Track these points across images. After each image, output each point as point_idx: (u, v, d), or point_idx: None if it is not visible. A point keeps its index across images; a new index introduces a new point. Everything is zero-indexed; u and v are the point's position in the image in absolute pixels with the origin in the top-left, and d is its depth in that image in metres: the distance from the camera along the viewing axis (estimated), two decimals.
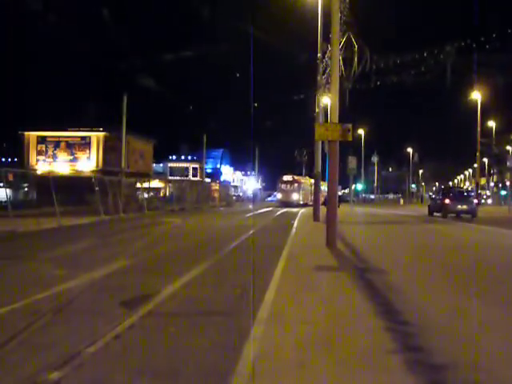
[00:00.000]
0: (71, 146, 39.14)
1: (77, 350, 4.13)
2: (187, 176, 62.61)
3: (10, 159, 55.00)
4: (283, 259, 9.14)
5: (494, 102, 48.46)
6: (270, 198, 60.12)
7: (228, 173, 76.95)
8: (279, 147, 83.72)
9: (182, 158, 68.71)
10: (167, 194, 40.17)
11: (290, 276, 7.44)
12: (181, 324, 5.08)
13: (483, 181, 64.77)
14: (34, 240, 13.98)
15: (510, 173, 44.30)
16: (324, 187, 35.44)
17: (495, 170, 71.42)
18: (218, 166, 73.93)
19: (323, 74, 20.33)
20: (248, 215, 27.63)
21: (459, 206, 25.00)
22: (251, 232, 15.53)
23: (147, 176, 39.39)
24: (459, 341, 4.30)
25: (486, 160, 64.99)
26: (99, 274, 7.84)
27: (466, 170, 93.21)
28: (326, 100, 19.86)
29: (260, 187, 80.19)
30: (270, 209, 37.02)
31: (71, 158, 39.13)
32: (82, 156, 39.01)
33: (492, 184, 74.27)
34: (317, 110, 21.61)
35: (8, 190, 20.24)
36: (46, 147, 39.34)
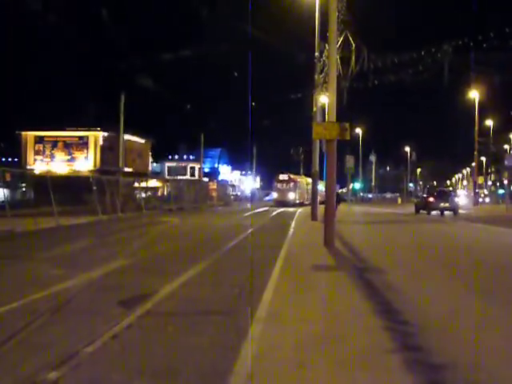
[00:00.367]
0: (69, 146, 39.09)
1: (75, 349, 4.11)
2: (185, 175, 62.56)
3: (7, 159, 54.85)
4: (281, 259, 9.14)
5: (492, 101, 48.63)
6: (267, 198, 60.10)
7: (226, 172, 76.97)
8: (277, 146, 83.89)
9: (180, 157, 68.71)
10: (165, 193, 40.22)
11: (288, 275, 7.43)
12: (179, 323, 5.07)
13: (481, 180, 64.78)
14: (32, 240, 13.95)
15: (507, 171, 44.36)
16: (322, 186, 35.55)
17: (493, 169, 71.53)
18: (216, 165, 73.97)
19: (321, 73, 20.30)
20: (246, 215, 27.63)
21: (441, 204, 27.15)
22: (249, 231, 15.53)
23: (145, 175, 39.41)
24: (459, 341, 4.29)
25: (483, 159, 65.08)
26: (97, 273, 7.82)
27: (464, 168, 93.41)
28: (324, 99, 19.84)
29: (258, 186, 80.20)
30: (268, 208, 37.03)
31: (69, 157, 39.08)
32: (79, 156, 38.97)
33: (490, 183, 74.40)
34: (314, 109, 21.60)
35: (6, 190, 20.23)
36: (44, 147, 39.28)
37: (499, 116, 54.04)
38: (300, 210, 32.09)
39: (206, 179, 57.07)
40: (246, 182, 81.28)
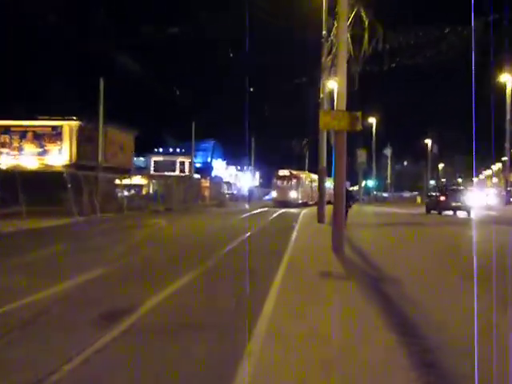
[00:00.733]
0: (40, 137, 38.99)
1: (44, 373, 4.11)
2: (173, 171, 62.55)
3: None
4: (283, 266, 9.17)
5: None
6: (268, 197, 60.14)
7: (220, 168, 76.91)
8: (280, 138, 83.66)
9: (168, 150, 68.71)
10: (150, 191, 40.21)
11: (291, 285, 7.46)
12: (166, 341, 5.09)
13: None
14: None
15: None
16: (329, 184, 35.42)
17: None
18: (209, 159, 73.89)
19: (329, 55, 20.30)
20: (243, 216, 27.65)
21: (454, 204, 28.66)
22: (247, 235, 15.55)
23: (128, 171, 39.35)
24: (483, 363, 4.30)
25: None
26: (72, 283, 7.83)
27: (494, 164, 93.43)
28: (332, 84, 19.86)
29: (257, 184, 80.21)
30: (267, 209, 37.06)
31: (40, 150, 38.97)
32: (52, 148, 38.85)
33: None
34: (321, 95, 21.62)
35: None
36: (11, 138, 39.17)
37: None
38: (304, 210, 32.15)
39: (197, 176, 57.03)
40: (244, 179, 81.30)
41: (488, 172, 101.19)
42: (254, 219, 24.84)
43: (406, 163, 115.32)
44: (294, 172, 46.67)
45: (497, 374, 3.96)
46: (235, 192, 73.51)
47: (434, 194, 33.54)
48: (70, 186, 22.69)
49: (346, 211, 16.13)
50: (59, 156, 38.34)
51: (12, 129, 39.19)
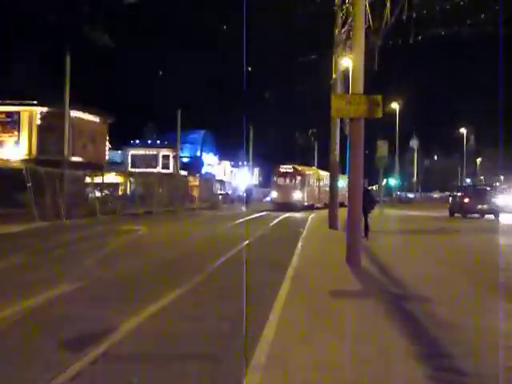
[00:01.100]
0: None
1: None
2: (155, 167, 62.57)
3: None
4: (288, 281, 9.17)
5: None
6: (269, 198, 60.13)
7: (212, 163, 77.00)
8: (283, 128, 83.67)
9: (149, 142, 68.69)
10: (128, 192, 40.18)
11: (296, 305, 7.45)
12: (146, 372, 5.08)
13: None
14: None
15: None
16: (343, 182, 35.30)
17: None
18: (198, 153, 73.90)
19: (343, 27, 20.32)
20: (239, 221, 27.64)
21: (479, 206, 30.23)
22: (244, 244, 15.54)
23: (100, 167, 39.32)
24: None
25: None
26: (33, 302, 7.83)
27: None
28: (347, 62, 19.87)
29: (256, 183, 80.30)
30: (268, 212, 37.05)
31: None
32: (7, 139, 38.85)
33: None
34: (334, 75, 21.63)
35: None
36: None
37: None
38: (312, 215, 32.17)
39: (184, 173, 57.06)
40: (240, 177, 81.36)
41: None
42: (253, 224, 24.82)
43: (436, 158, 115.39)
44: (299, 168, 45.95)
45: None
46: (230, 192, 73.54)
47: (458, 194, 34.37)
48: (29, 185, 22.67)
49: (366, 216, 16.12)
50: (16, 149, 38.31)
51: None
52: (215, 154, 78.47)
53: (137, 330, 6.47)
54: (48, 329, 6.54)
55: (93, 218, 27.14)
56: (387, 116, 48.52)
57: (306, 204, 43.52)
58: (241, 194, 69.05)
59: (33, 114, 38.42)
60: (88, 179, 31.63)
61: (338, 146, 21.80)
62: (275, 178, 45.21)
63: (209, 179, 65.90)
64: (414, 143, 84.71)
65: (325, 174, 51.21)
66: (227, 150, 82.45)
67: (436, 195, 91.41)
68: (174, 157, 55.54)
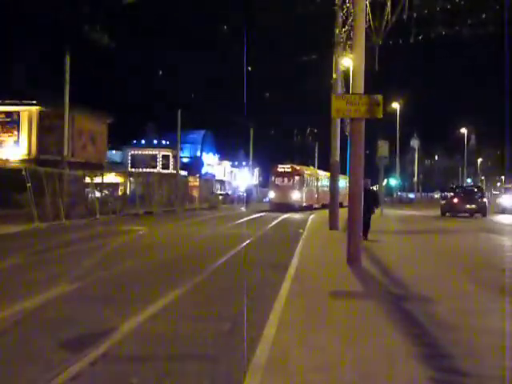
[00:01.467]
0: None
1: None
2: (155, 167, 62.58)
3: None
4: (288, 282, 9.16)
5: None
6: (268, 198, 60.21)
7: (212, 163, 77.03)
8: (282, 128, 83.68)
9: (149, 142, 68.66)
10: (128, 192, 40.15)
11: (297, 306, 7.45)
12: (146, 373, 5.08)
13: None
14: None
15: None
16: (343, 183, 35.27)
17: None
18: (198, 153, 73.94)
19: (343, 27, 20.33)
20: (239, 221, 27.66)
21: (468, 206, 33.02)
22: (244, 244, 15.55)
23: (100, 167, 39.32)
24: None
25: None
26: (32, 303, 7.83)
27: None
28: (348, 62, 19.87)
29: (256, 183, 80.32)
30: (268, 213, 37.07)
31: None
32: (7, 139, 38.84)
33: None
34: (334, 76, 21.63)
35: None
36: None
37: None
38: (312, 215, 32.17)
39: (184, 173, 57.09)
40: (240, 177, 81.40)
41: None
42: (253, 225, 24.84)
43: (437, 158, 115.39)
44: (297, 167, 45.34)
45: None
46: (230, 192, 73.57)
47: (448, 195, 36.65)
48: (29, 185, 22.65)
49: (369, 217, 16.07)
50: (15, 149, 38.29)
51: None
52: (215, 154, 78.51)
53: (137, 331, 6.47)
54: (48, 329, 6.54)
55: (92, 218, 27.14)
56: (388, 116, 48.53)
57: (304, 204, 43.14)
58: (241, 194, 69.12)
59: (32, 113, 38.38)
60: (88, 179, 31.59)
61: (338, 147, 21.81)
62: (273, 178, 44.67)
63: (209, 179, 65.93)
64: (414, 143, 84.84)
65: (322, 174, 51.10)
66: (227, 150, 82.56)
67: (437, 195, 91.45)
68: (174, 157, 55.57)
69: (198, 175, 61.20)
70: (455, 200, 33.77)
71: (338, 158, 21.87)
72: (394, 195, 71.46)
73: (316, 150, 74.79)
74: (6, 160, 36.93)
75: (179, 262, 13.01)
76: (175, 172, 51.18)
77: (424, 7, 19.15)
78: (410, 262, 12.68)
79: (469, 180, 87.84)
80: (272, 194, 44.40)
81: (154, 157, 65.51)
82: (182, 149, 57.17)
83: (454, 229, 24.14)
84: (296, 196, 42.55)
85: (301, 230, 20.89)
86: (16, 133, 38.55)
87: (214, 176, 73.76)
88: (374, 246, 15.14)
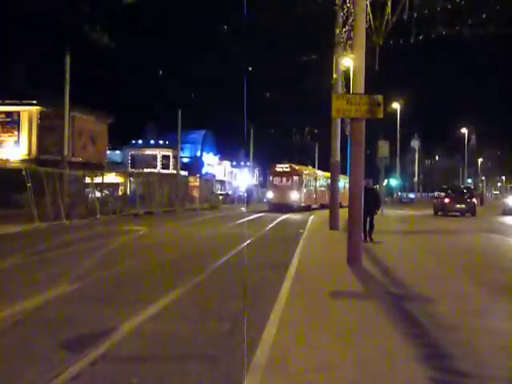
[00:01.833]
0: None
1: None
2: (155, 167, 62.59)
3: None
4: (288, 282, 9.17)
5: None
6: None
7: (212, 163, 77.05)
8: (282, 128, 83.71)
9: (148, 142, 68.69)
10: (128, 192, 40.16)
11: (297, 306, 7.45)
12: (146, 373, 5.08)
13: None
14: None
15: None
16: (342, 183, 35.17)
17: None
18: (199, 153, 73.96)
19: (344, 27, 20.32)
20: (239, 221, 27.66)
21: (458, 205, 35.39)
22: (244, 244, 15.55)
23: (100, 168, 39.33)
24: None
25: None
26: (32, 303, 7.83)
27: None
28: (348, 62, 19.87)
29: (256, 183, 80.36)
30: (267, 214, 37.06)
31: None
32: (7, 139, 38.84)
33: None
34: (334, 75, 21.63)
35: None
36: None
37: None
38: (312, 216, 32.17)
39: (184, 173, 57.09)
40: (241, 177, 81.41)
41: None
42: (254, 225, 24.83)
43: (437, 158, 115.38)
44: (296, 167, 44.63)
45: None
46: (230, 192, 73.59)
47: (440, 195, 39.15)
48: (29, 185, 22.66)
49: (372, 217, 16.04)
50: (15, 149, 38.29)
51: None
52: (215, 154, 78.53)
53: (137, 331, 6.47)
54: (48, 329, 6.54)
55: (92, 218, 27.14)
56: (388, 116, 48.55)
57: (303, 205, 42.62)
58: (241, 194, 69.14)
59: (33, 113, 38.38)
60: (88, 179, 31.60)
61: (338, 147, 21.82)
62: (271, 178, 44.09)
63: (209, 179, 65.94)
64: (415, 143, 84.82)
65: (321, 174, 50.95)
66: (227, 150, 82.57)
67: (437, 195, 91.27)
68: (175, 157, 55.59)
69: (198, 175, 61.18)
70: (446, 200, 35.94)
71: (338, 158, 21.89)
72: (395, 195, 71.42)
73: (316, 150, 74.80)
74: (6, 160, 36.95)
75: (179, 261, 13.02)
76: (175, 172, 51.20)
77: (424, 7, 19.14)
78: (410, 262, 12.68)
79: (469, 180, 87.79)
80: (270, 194, 43.74)
81: (154, 157, 65.53)
82: (182, 149, 57.16)
83: (460, 228, 24.11)
84: (295, 196, 42.02)
85: (301, 230, 20.89)
86: (16, 133, 38.56)
87: (214, 176, 73.78)
88: (374, 246, 15.15)
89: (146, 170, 56.11)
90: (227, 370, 5.04)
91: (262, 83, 45.85)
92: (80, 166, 33.89)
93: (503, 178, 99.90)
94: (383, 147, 30.74)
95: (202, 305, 7.98)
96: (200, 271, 10.86)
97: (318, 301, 7.86)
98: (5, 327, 6.64)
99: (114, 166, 54.62)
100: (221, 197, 60.28)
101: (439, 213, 36.31)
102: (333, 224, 21.33)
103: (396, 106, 55.39)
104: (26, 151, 38.19)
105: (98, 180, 32.70)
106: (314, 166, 61.21)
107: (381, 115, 11.15)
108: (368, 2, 14.13)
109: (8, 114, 38.55)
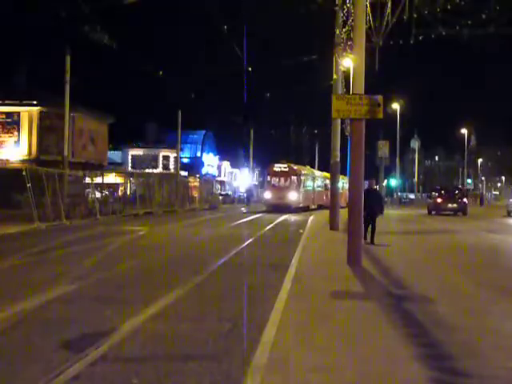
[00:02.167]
0: None
1: None
2: (156, 168, 62.58)
3: None
4: (288, 282, 9.18)
5: None
6: None
7: (212, 163, 77.04)
8: (283, 128, 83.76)
9: (149, 142, 68.66)
10: (128, 192, 40.17)
11: (297, 306, 7.45)
12: (147, 373, 5.08)
13: None
14: None
15: None
16: (341, 184, 35.03)
17: None
18: (199, 154, 73.93)
19: (344, 27, 20.32)
20: (239, 222, 27.67)
21: (449, 205, 37.34)
22: (244, 245, 15.55)
23: (100, 168, 39.37)
24: None
25: None
26: (33, 303, 7.83)
27: None
28: (348, 63, 19.87)
29: (256, 183, 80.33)
30: (266, 214, 37.06)
31: None
32: (7, 139, 38.83)
33: None
34: (334, 76, 21.62)
35: None
36: None
37: None
38: (312, 216, 32.17)
39: (184, 173, 57.09)
40: (240, 178, 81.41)
41: None
42: (254, 225, 24.84)
43: (437, 158, 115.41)
44: (294, 166, 43.82)
45: None
46: (230, 193, 73.61)
47: (433, 195, 40.79)
48: (29, 185, 22.64)
49: (374, 219, 15.97)
50: (16, 149, 38.28)
51: None
52: (215, 155, 78.51)
53: (137, 331, 6.47)
54: (48, 329, 6.54)
55: (93, 218, 27.15)
56: (388, 116, 48.55)
57: (301, 205, 42.01)
58: (241, 194, 69.14)
59: (33, 114, 38.36)
60: (88, 180, 31.60)
61: (338, 147, 21.81)
62: (269, 178, 43.18)
63: (209, 180, 65.90)
64: (414, 144, 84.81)
65: (318, 174, 50.80)
66: (227, 150, 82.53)
67: None
68: (175, 157, 55.57)
69: (198, 175, 61.16)
70: (439, 200, 37.76)
71: (338, 159, 21.89)
72: (394, 195, 71.40)
73: (316, 151, 74.83)
74: (7, 160, 36.95)
75: (179, 262, 13.01)
76: (175, 172, 51.22)
77: (424, 7, 19.14)
78: (409, 261, 12.69)
79: (469, 180, 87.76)
80: (268, 195, 42.83)
81: (155, 157, 65.51)
82: (182, 149, 57.17)
83: (459, 229, 24.12)
84: (293, 196, 41.24)
85: (301, 231, 20.90)
86: (16, 133, 38.54)
87: (214, 176, 73.76)
88: (375, 247, 15.15)
89: (146, 171, 56.15)
90: (227, 371, 5.04)
91: (262, 83, 45.84)
92: (80, 166, 33.91)
93: (503, 178, 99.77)
94: (383, 148, 30.80)
95: (202, 305, 7.97)
96: (200, 271, 10.86)
97: (318, 301, 7.86)
98: (5, 327, 6.64)
99: (115, 167, 54.63)
100: (221, 197, 60.32)
101: (433, 212, 37.87)
102: (333, 224, 21.34)
103: (396, 106, 55.41)
104: (26, 151, 38.17)
105: (98, 180, 32.71)
106: (313, 166, 61.12)
107: (381, 116, 11.15)
108: (368, 3, 14.15)
109: (8, 114, 38.52)
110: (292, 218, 32.97)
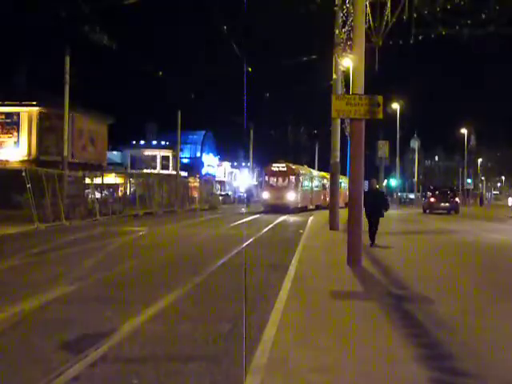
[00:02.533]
0: None
1: None
2: (155, 168, 62.59)
3: None
4: (288, 282, 9.17)
5: None
6: None
7: (212, 164, 77.07)
8: (282, 128, 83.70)
9: (148, 143, 68.66)
10: (128, 192, 40.17)
11: (297, 306, 7.45)
12: (147, 374, 5.08)
13: None
14: None
15: None
16: (342, 184, 35.03)
17: None
18: (198, 154, 73.98)
19: (343, 27, 20.31)
20: (239, 222, 27.65)
21: (442, 204, 39.50)
22: (244, 245, 15.54)
23: (100, 168, 39.35)
24: None
25: None
26: (32, 304, 7.83)
27: None
28: (348, 63, 19.86)
29: (256, 183, 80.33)
30: (266, 215, 37.03)
31: None
32: (7, 140, 38.82)
33: None
34: (334, 76, 21.62)
35: None
36: None
37: None
38: (311, 217, 32.18)
39: (184, 173, 57.09)
40: (240, 178, 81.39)
41: None
42: (254, 225, 24.82)
43: (437, 158, 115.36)
44: (293, 166, 43.11)
45: None
46: (230, 193, 73.60)
47: (427, 195, 43.34)
48: (29, 186, 22.64)
49: (377, 221, 15.92)
50: (15, 150, 38.27)
51: None
52: (215, 155, 78.55)
53: (137, 331, 6.47)
54: (48, 330, 6.54)
55: (93, 218, 27.14)
56: (388, 116, 48.54)
57: (299, 206, 41.45)
58: (241, 194, 69.14)
59: (32, 114, 38.35)
60: (88, 180, 31.59)
61: (338, 148, 21.82)
62: (267, 178, 42.65)
63: (209, 180, 65.88)
64: (414, 144, 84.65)
65: (316, 174, 50.67)
66: (227, 150, 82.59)
67: None
68: (174, 157, 55.59)
69: (198, 176, 61.19)
70: (432, 199, 40.14)
71: (338, 159, 21.89)
72: (394, 195, 71.32)
73: (316, 151, 74.82)
74: (6, 161, 36.94)
75: (179, 262, 13.01)
76: (175, 173, 51.24)
77: (424, 7, 19.14)
78: (409, 261, 12.69)
79: (469, 180, 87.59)
80: (266, 195, 41.98)
81: (154, 157, 65.54)
82: (182, 149, 57.21)
83: (458, 229, 24.11)
84: (291, 197, 40.66)
85: (301, 231, 20.89)
86: (16, 134, 38.53)
87: (214, 177, 73.76)
88: (374, 246, 15.15)
89: (145, 171, 56.14)
90: (227, 371, 5.04)
91: (262, 83, 45.77)
92: (80, 166, 33.89)
93: (503, 178, 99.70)
94: (383, 148, 30.79)
95: (202, 305, 7.98)
96: (200, 272, 10.86)
97: (318, 301, 7.86)
98: (5, 328, 6.64)
99: (114, 167, 54.63)
100: (220, 197, 60.34)
101: (427, 211, 40.26)
102: (333, 224, 21.34)
103: (396, 106, 55.38)
104: (25, 152, 38.16)
105: (97, 181, 32.68)
106: (313, 167, 61.08)
107: (380, 116, 11.15)
108: (367, 3, 14.14)
109: (8, 114, 38.51)
110: (292, 218, 32.97)
